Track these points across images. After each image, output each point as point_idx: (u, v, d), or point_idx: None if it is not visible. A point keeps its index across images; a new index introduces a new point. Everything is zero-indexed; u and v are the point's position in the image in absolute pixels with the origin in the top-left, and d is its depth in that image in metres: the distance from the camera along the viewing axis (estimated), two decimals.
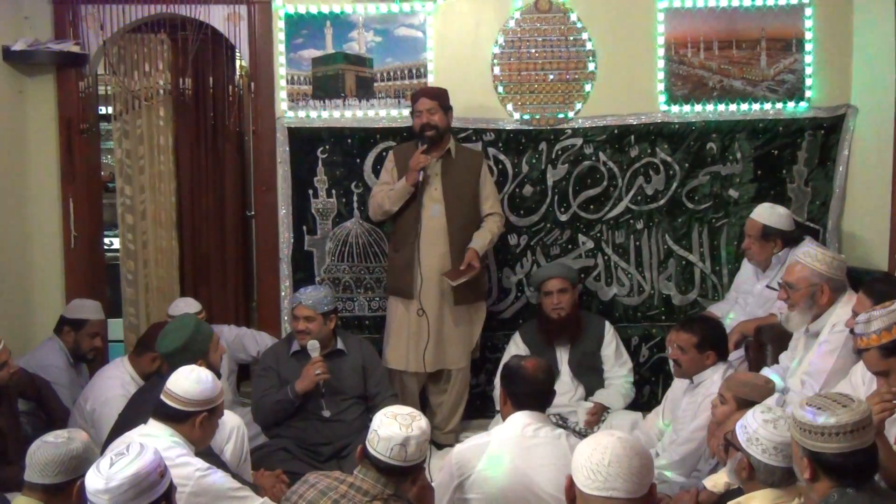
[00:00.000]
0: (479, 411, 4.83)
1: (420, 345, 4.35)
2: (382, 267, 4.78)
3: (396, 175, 4.38)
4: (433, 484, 2.95)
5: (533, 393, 2.96)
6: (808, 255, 3.40)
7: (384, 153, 4.71)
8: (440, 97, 4.35)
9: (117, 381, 3.81)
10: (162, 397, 2.79)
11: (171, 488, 2.24)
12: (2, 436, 3.25)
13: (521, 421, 2.91)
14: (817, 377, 3.23)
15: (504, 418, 3.00)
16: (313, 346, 3.91)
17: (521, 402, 2.96)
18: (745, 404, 3.03)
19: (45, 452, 2.40)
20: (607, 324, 4.55)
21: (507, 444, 2.86)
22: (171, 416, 2.77)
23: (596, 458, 1.95)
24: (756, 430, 2.42)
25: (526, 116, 4.75)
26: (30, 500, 2.41)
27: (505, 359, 4.45)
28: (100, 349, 4.25)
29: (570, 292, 4.43)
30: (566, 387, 4.39)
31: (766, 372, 3.59)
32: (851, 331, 3.05)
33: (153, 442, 2.54)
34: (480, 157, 4.54)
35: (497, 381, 4.44)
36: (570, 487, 2.01)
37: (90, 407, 3.71)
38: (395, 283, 4.45)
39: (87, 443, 2.47)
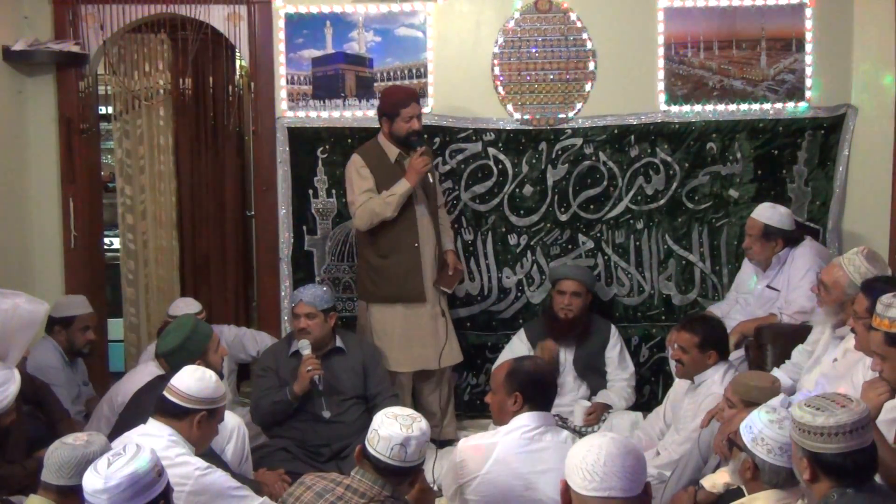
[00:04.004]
0: (479, 411, 4.83)
1: (439, 344, 4.31)
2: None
3: (373, 180, 4.25)
4: (441, 480, 2.95)
5: (543, 390, 2.92)
6: (852, 264, 3.26)
7: None
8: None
9: (148, 376, 3.84)
10: (164, 393, 2.82)
11: (169, 488, 2.26)
12: (7, 434, 3.26)
13: (526, 424, 2.87)
14: (834, 382, 3.20)
15: (505, 422, 2.92)
16: (304, 345, 3.91)
17: (534, 401, 2.89)
18: (751, 405, 3.04)
19: (61, 454, 2.41)
20: (613, 328, 4.55)
21: (513, 448, 2.83)
22: (171, 412, 2.79)
23: (591, 458, 1.95)
24: (762, 430, 2.42)
25: (526, 116, 4.75)
26: (43, 500, 2.43)
27: (507, 353, 4.46)
28: (94, 341, 4.22)
29: (582, 296, 4.41)
30: (569, 386, 4.39)
31: (775, 372, 3.59)
32: (852, 329, 3.05)
33: (152, 441, 2.56)
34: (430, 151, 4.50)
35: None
36: (566, 491, 2.01)
37: (122, 400, 3.72)
38: (395, 290, 4.30)
39: (105, 446, 2.48)
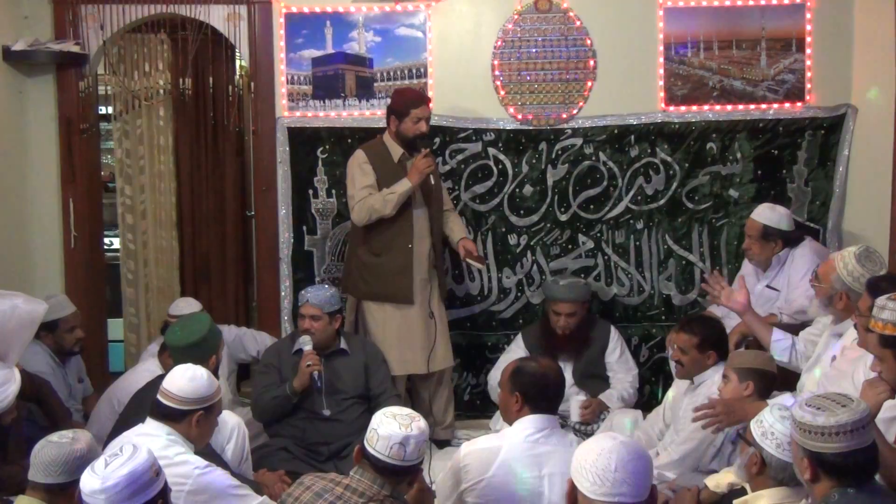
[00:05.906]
0: (479, 411, 4.83)
1: (428, 347, 4.30)
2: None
3: (374, 176, 4.24)
4: (436, 483, 2.94)
5: (546, 393, 2.89)
6: (843, 260, 3.22)
7: None
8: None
9: (148, 374, 3.84)
10: (158, 396, 2.81)
11: (166, 488, 2.27)
12: (5, 434, 3.26)
13: (531, 426, 2.84)
14: (834, 381, 3.20)
15: (510, 422, 2.92)
16: (305, 341, 3.92)
17: (535, 403, 2.87)
18: (745, 375, 3.10)
19: (48, 452, 2.42)
20: (613, 329, 4.53)
21: (517, 452, 2.80)
22: (168, 415, 2.79)
23: (601, 463, 1.95)
24: (772, 424, 2.43)
25: (526, 116, 4.75)
26: (32, 500, 2.44)
27: (505, 358, 4.44)
28: (82, 339, 4.17)
29: (578, 314, 4.39)
30: (568, 395, 4.37)
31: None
32: (855, 326, 3.05)
33: (150, 441, 2.56)
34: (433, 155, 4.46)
35: (493, 382, 4.42)
36: (572, 491, 2.01)
37: (121, 398, 3.74)
38: (384, 289, 4.28)
39: (91, 444, 2.49)
